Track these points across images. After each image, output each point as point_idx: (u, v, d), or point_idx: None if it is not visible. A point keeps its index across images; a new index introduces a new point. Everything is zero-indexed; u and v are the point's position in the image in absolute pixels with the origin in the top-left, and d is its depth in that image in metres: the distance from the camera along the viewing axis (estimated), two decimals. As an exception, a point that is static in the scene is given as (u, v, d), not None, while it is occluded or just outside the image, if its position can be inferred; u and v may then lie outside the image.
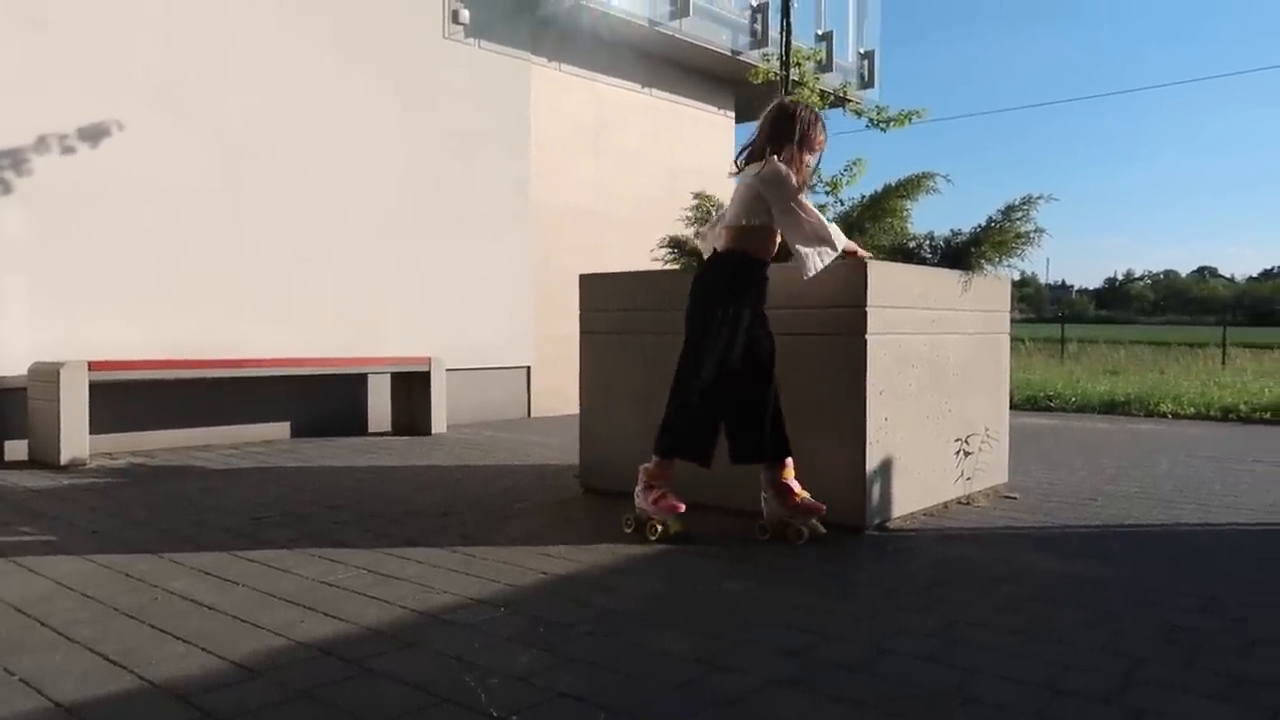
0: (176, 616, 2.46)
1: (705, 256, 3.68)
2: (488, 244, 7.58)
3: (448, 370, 6.98)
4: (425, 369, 6.74)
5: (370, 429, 6.95)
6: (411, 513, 3.86)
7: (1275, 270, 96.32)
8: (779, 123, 3.38)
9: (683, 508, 3.33)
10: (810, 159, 3.42)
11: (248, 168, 6.17)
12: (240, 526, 3.59)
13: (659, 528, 3.35)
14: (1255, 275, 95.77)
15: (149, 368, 5.50)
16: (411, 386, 6.87)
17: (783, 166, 3.28)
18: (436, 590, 2.71)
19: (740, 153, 3.51)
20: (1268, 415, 7.71)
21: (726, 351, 3.30)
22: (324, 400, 6.68)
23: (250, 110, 6.18)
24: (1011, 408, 8.18)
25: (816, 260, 3.28)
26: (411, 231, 7.06)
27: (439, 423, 6.78)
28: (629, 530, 3.43)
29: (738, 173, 3.48)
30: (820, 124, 3.42)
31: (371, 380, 6.97)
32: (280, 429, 6.47)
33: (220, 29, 6.05)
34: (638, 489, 3.41)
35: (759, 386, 3.37)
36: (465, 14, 7.32)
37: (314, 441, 6.28)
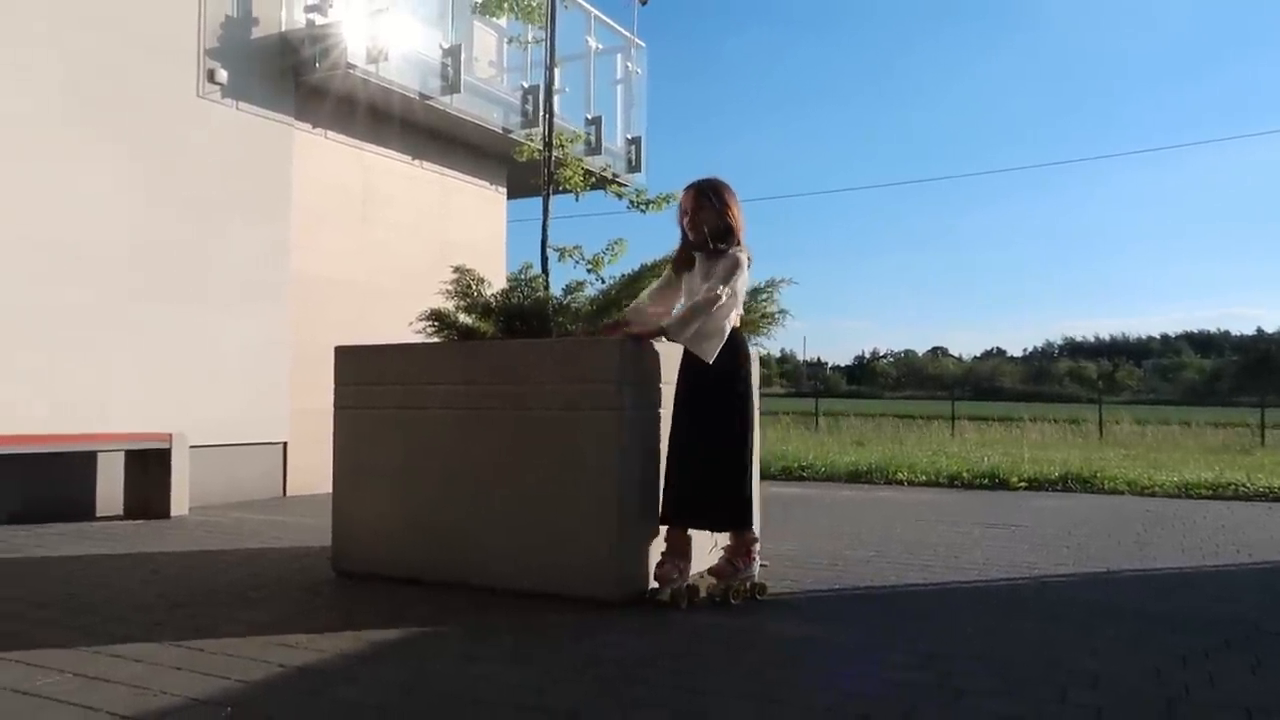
0: None
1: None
2: (241, 313, 7.17)
3: (193, 447, 6.47)
4: (165, 445, 6.21)
5: (99, 513, 6.29)
6: (136, 607, 3.50)
7: (994, 351, 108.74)
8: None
9: None
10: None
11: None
12: (-82, 631, 3.12)
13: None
14: (978, 355, 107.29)
15: None
16: (149, 465, 6.31)
17: None
18: (153, 692, 2.46)
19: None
20: (985, 481, 8.58)
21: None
22: (41, 483, 5.98)
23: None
24: (768, 478, 8.72)
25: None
26: (154, 299, 6.55)
27: (180, 504, 6.24)
28: (761, 595, 3.66)
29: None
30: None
31: (101, 459, 6.33)
32: (-15, 516, 5.72)
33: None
34: (737, 560, 3.60)
35: None
36: (223, 74, 7.00)
37: (29, 529, 5.60)
